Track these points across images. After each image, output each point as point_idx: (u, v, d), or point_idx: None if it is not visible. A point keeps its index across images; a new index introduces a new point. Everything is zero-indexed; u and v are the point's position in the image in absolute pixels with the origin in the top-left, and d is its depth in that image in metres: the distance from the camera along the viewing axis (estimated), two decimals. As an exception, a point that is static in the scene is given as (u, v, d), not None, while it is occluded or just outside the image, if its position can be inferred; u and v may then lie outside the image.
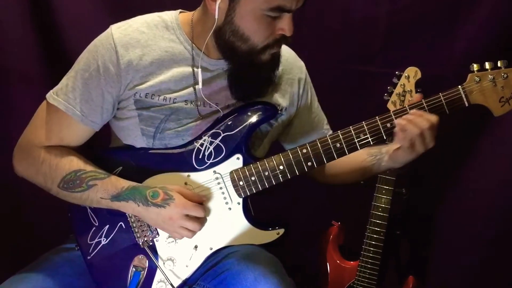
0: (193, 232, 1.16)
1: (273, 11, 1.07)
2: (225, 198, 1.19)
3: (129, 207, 1.14)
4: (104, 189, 1.14)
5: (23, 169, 1.19)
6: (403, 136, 1.11)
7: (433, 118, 1.10)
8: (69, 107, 1.15)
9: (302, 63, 1.34)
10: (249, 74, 1.16)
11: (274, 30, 1.10)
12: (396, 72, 1.42)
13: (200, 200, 1.16)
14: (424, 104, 1.11)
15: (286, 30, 1.10)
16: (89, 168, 1.16)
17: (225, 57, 1.16)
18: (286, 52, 1.30)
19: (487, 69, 1.10)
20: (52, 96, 1.17)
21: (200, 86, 1.16)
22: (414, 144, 1.12)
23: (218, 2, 1.08)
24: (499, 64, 1.10)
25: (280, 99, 1.27)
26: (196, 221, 1.14)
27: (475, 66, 1.10)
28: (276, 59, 1.18)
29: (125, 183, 1.15)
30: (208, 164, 1.18)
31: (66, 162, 1.16)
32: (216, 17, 1.09)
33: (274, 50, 1.14)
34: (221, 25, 1.11)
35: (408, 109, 1.12)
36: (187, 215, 1.13)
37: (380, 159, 1.26)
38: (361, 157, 1.29)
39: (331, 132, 1.39)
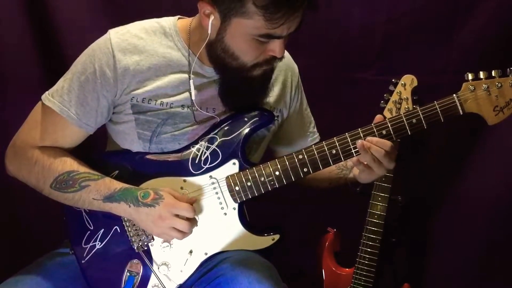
0: (183, 234, 1.14)
1: (262, 37, 1.08)
2: (220, 203, 1.19)
3: (120, 209, 1.14)
4: (96, 190, 1.14)
5: (15, 169, 1.19)
6: (357, 162, 1.14)
7: (387, 144, 1.11)
8: (64, 109, 1.16)
9: (296, 66, 1.35)
10: (240, 87, 1.17)
11: (265, 51, 1.11)
12: (393, 80, 1.43)
13: (191, 202, 1.16)
14: (419, 112, 1.12)
15: (277, 52, 1.11)
16: (82, 169, 1.16)
17: (216, 70, 1.17)
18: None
19: (481, 78, 1.10)
20: (47, 97, 1.17)
21: (193, 96, 1.17)
22: (371, 168, 1.13)
23: (211, 19, 1.09)
24: (493, 73, 1.10)
25: (275, 101, 1.28)
26: (186, 221, 1.13)
27: (470, 75, 1.11)
28: (268, 73, 1.18)
29: (118, 185, 1.15)
30: (204, 169, 1.18)
31: (60, 163, 1.16)
32: (209, 32, 1.11)
33: (264, 67, 1.15)
34: (213, 40, 1.12)
35: (403, 116, 1.13)
36: (177, 215, 1.13)
37: (346, 174, 1.31)
38: (330, 168, 1.29)
39: (317, 135, 1.41)
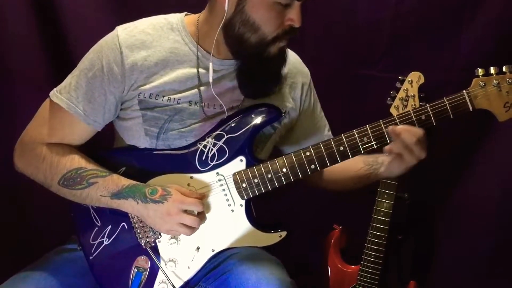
0: (191, 229, 1.14)
1: None
2: (227, 200, 1.19)
3: (128, 205, 1.14)
4: (104, 187, 1.14)
5: (24, 165, 1.19)
6: (390, 149, 1.12)
7: (419, 132, 1.10)
8: (72, 106, 1.16)
9: (307, 70, 1.35)
10: (258, 69, 1.17)
11: (284, 21, 1.12)
12: (399, 77, 1.42)
13: (200, 197, 1.16)
14: (428, 108, 1.11)
15: (296, 20, 1.12)
16: (90, 166, 1.16)
17: (233, 52, 1.17)
18: (293, 57, 1.31)
19: (492, 74, 1.09)
20: (55, 94, 1.18)
21: (210, 79, 1.16)
22: (402, 157, 1.12)
23: None
24: (504, 69, 1.09)
25: (283, 102, 1.28)
26: (194, 217, 1.13)
27: (480, 71, 1.10)
28: (283, 54, 1.18)
29: (126, 182, 1.15)
30: (211, 165, 1.18)
31: (68, 160, 1.16)
32: (226, 8, 1.10)
33: (282, 43, 1.15)
34: (230, 17, 1.12)
35: (412, 113, 1.12)
36: (185, 211, 1.13)
37: (376, 168, 1.27)
38: (357, 166, 1.30)
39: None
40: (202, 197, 1.16)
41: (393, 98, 1.41)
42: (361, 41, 1.67)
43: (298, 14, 1.11)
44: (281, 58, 1.19)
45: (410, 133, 1.10)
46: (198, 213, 1.15)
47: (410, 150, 1.11)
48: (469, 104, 1.10)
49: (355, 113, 1.65)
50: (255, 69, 1.16)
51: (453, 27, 1.62)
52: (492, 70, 1.09)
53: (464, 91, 1.10)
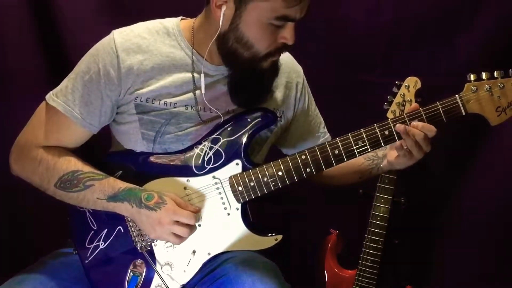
0: (181, 239, 1.15)
1: (278, 20, 1.09)
2: (224, 203, 1.19)
3: (123, 208, 1.15)
4: (101, 190, 1.15)
5: (20, 168, 1.20)
6: (400, 146, 1.14)
7: (431, 130, 1.11)
8: (68, 109, 1.17)
9: (300, 68, 1.36)
10: (250, 81, 1.18)
11: (277, 39, 1.12)
12: (396, 82, 1.43)
13: (194, 210, 1.16)
14: (422, 113, 1.12)
15: (289, 39, 1.12)
16: (86, 169, 1.17)
17: (226, 64, 1.18)
18: (285, 55, 1.31)
19: (483, 79, 1.11)
20: (51, 97, 1.18)
21: (202, 91, 1.17)
22: (411, 152, 1.14)
23: (223, 10, 1.10)
24: (495, 74, 1.10)
25: (278, 102, 1.29)
26: (185, 227, 1.14)
27: (472, 76, 1.11)
28: (276, 66, 1.20)
29: (122, 184, 1.16)
30: (207, 169, 1.19)
31: (64, 162, 1.17)
32: (221, 23, 1.11)
33: (274, 58, 1.16)
34: (225, 31, 1.12)
35: (406, 117, 1.13)
36: (177, 221, 1.13)
37: (378, 163, 1.30)
38: (359, 161, 1.32)
39: (328, 135, 1.41)
40: (197, 211, 1.17)
41: (390, 103, 1.42)
42: (360, 46, 1.68)
43: (292, 33, 1.12)
44: (274, 70, 1.20)
45: (423, 129, 1.11)
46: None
47: (419, 146, 1.12)
48: (461, 108, 1.11)
49: (354, 118, 1.64)
50: (246, 80, 1.18)
51: (450, 32, 1.63)
52: (484, 75, 1.11)
53: (456, 95, 1.12)
